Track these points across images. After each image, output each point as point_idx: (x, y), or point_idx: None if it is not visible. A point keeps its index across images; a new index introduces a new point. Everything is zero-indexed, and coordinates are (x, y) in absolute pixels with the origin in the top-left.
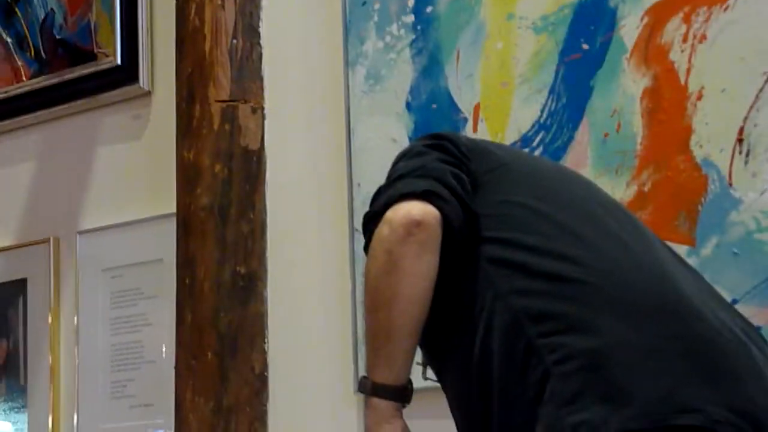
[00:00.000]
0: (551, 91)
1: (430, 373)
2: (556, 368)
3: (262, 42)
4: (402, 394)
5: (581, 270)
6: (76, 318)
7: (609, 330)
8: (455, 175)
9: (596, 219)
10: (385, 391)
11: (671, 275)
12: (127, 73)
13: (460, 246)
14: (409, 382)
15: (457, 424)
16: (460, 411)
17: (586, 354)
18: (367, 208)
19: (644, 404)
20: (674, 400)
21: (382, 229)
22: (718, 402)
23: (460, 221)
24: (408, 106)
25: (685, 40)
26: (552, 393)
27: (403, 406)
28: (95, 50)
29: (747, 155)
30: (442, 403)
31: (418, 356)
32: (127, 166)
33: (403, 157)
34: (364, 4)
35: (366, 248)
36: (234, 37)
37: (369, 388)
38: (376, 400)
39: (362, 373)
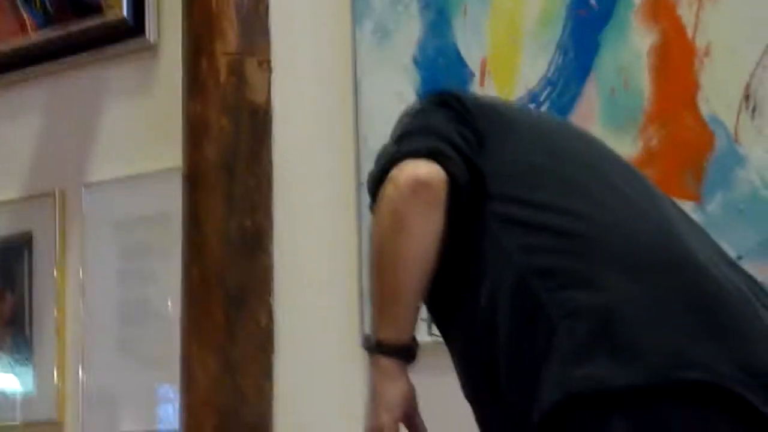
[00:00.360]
0: (559, 47)
1: (435, 329)
2: (563, 323)
3: None
4: (407, 351)
5: (587, 225)
6: (81, 272)
7: (615, 285)
8: (460, 133)
9: (602, 175)
10: (389, 349)
11: (677, 231)
12: (133, 25)
13: (466, 204)
14: (414, 340)
15: (462, 382)
16: (465, 368)
17: (593, 309)
18: (373, 163)
19: (651, 359)
20: (680, 356)
21: (387, 189)
22: (723, 358)
23: (465, 179)
24: (415, 60)
25: None
26: (559, 347)
27: (409, 364)
28: (101, 3)
29: (753, 112)
30: (446, 358)
31: (424, 313)
32: (133, 120)
33: (407, 115)
34: None
35: (371, 208)
36: None
37: (374, 345)
38: (381, 358)
39: (368, 327)
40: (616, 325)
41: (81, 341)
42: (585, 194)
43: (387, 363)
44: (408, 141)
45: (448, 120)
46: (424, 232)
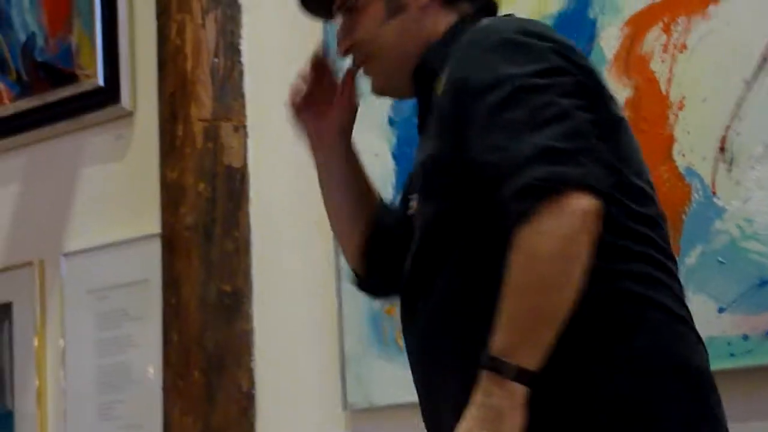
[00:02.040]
0: None
1: None
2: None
3: (243, 60)
4: (535, 381)
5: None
6: (62, 340)
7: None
8: (603, 150)
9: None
10: (526, 377)
11: None
12: (109, 93)
13: None
14: None
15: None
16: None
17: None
18: None
19: None
20: None
21: (561, 216)
22: None
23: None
24: (390, 120)
25: (665, 49)
26: None
27: None
28: (77, 72)
29: (730, 164)
30: None
31: None
32: (110, 187)
33: (529, 89)
34: None
35: (522, 213)
36: (215, 55)
37: (513, 371)
38: (515, 385)
39: (351, 388)
40: None
41: (62, 410)
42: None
43: (520, 391)
44: (578, 165)
45: (593, 129)
46: (586, 267)
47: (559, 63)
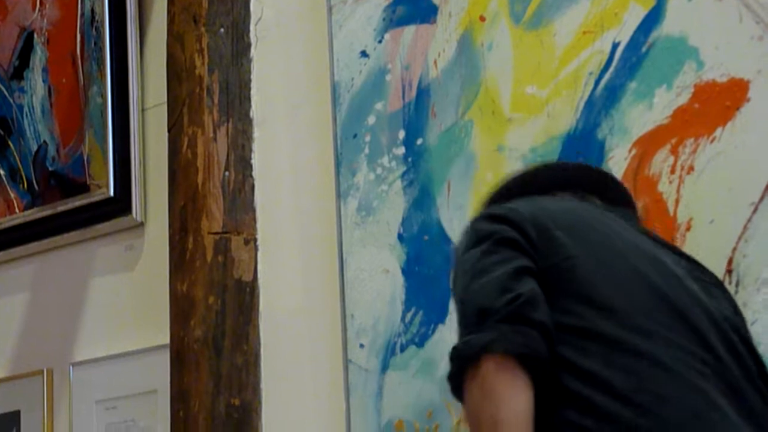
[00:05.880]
0: None
1: None
2: None
3: (254, 174)
4: None
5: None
6: None
7: None
8: (542, 302)
9: (652, 336)
10: None
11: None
12: (119, 204)
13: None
14: None
15: None
16: None
17: None
18: (359, 340)
19: None
20: None
21: (475, 392)
22: None
23: (546, 367)
24: (400, 237)
25: (672, 171)
26: None
27: None
28: (88, 182)
29: (737, 286)
30: None
31: None
32: (120, 298)
33: (472, 261)
34: (355, 136)
35: (456, 385)
36: (226, 169)
37: None
38: None
39: None
40: None
41: None
42: (636, 366)
43: None
44: (495, 328)
45: (524, 272)
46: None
47: (495, 249)
